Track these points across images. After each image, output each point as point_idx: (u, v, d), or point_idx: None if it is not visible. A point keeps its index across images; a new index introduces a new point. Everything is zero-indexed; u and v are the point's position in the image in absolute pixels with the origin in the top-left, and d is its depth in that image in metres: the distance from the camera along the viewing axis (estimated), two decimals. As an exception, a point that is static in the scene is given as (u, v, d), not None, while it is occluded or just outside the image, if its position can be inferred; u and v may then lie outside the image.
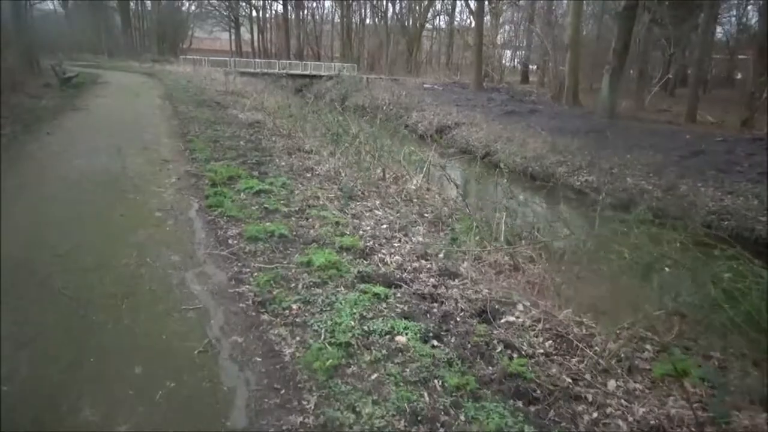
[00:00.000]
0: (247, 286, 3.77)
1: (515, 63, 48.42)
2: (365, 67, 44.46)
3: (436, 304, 3.78)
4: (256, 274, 3.98)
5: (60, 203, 5.58)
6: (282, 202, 5.90)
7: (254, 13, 58.69)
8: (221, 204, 5.59)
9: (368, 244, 4.81)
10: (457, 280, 4.21)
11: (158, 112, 13.45)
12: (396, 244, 4.91)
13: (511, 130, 17.71)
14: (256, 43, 58.47)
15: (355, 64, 42.76)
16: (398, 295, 3.82)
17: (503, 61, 42.49)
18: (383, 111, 24.68)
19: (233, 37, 59.16)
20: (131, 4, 52.66)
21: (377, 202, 6.29)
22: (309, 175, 7.55)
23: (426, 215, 6.15)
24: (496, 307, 3.76)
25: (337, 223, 5.30)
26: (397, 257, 4.57)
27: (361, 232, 5.18)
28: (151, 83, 23.38)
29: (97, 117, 12.27)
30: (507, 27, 46.93)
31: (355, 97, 30.76)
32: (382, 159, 7.85)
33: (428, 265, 4.45)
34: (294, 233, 4.89)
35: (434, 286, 4.06)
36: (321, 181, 7.25)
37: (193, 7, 57.77)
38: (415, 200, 6.80)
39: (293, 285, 3.83)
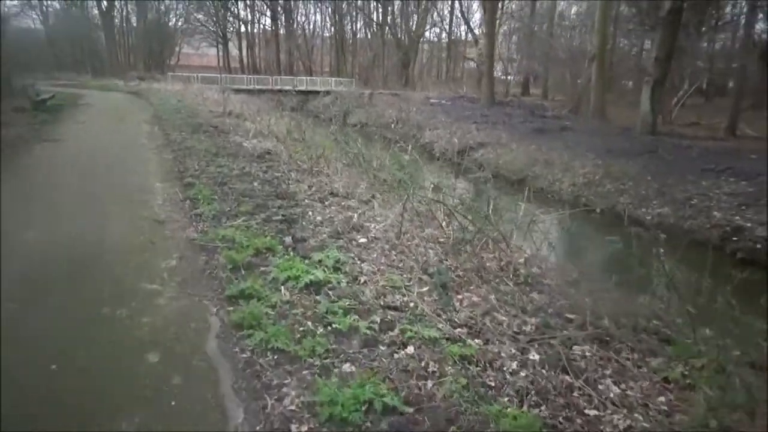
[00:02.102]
0: None
1: (505, 75, 46.57)
2: (359, 82, 42.33)
3: None
4: None
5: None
6: (350, 305, 3.69)
7: (242, 28, 56.70)
8: (257, 320, 3.36)
9: (539, 412, 2.63)
10: None
11: (146, 142, 11.18)
12: (592, 413, 2.71)
13: (547, 152, 15.63)
14: (245, 59, 56.38)
15: (352, 79, 40.80)
16: None
17: (508, 74, 40.61)
18: (392, 130, 22.77)
19: (221, 53, 56.98)
20: (116, 20, 50.50)
21: (492, 297, 4.08)
22: (363, 239, 5.35)
23: (571, 317, 3.95)
24: None
25: (463, 357, 3.09)
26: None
27: (507, 376, 2.98)
28: (138, 104, 21.12)
29: (72, 151, 9.99)
30: (499, 38, 45.29)
31: (358, 113, 28.63)
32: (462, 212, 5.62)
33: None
34: (406, 400, 2.67)
35: None
36: (384, 251, 5.06)
37: (180, 23, 55.53)
38: (530, 282, 4.61)
39: None
